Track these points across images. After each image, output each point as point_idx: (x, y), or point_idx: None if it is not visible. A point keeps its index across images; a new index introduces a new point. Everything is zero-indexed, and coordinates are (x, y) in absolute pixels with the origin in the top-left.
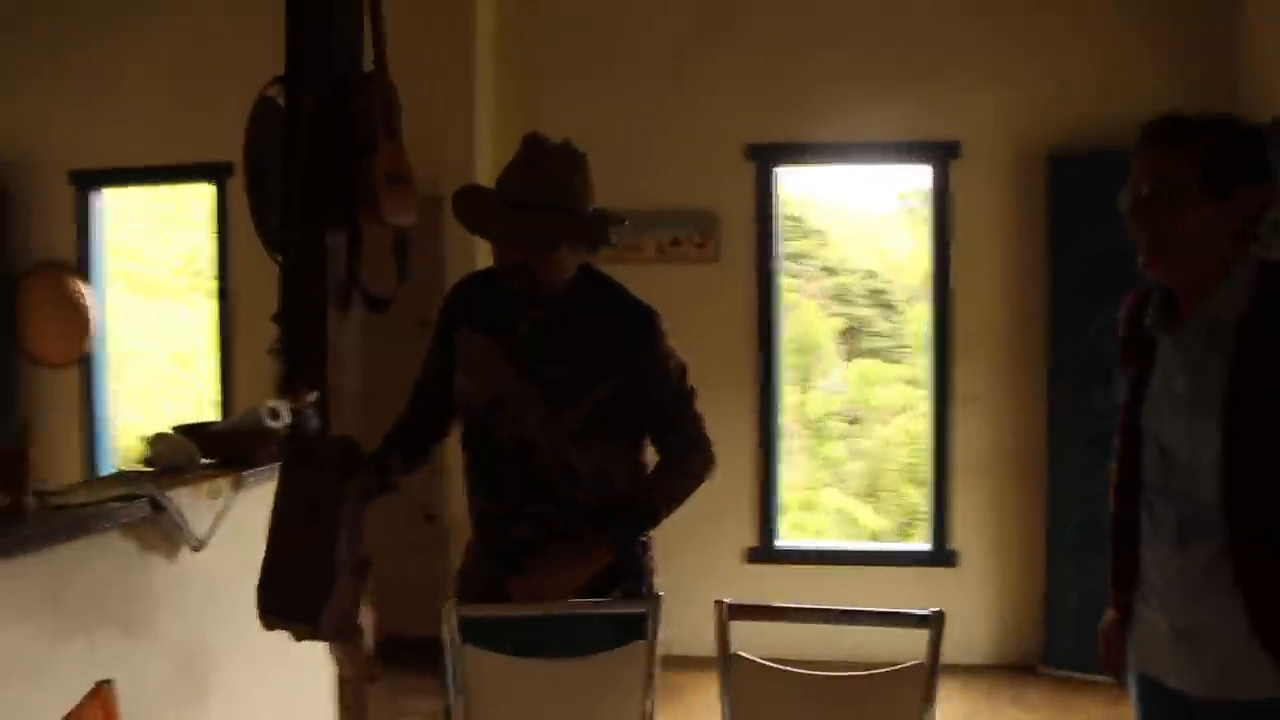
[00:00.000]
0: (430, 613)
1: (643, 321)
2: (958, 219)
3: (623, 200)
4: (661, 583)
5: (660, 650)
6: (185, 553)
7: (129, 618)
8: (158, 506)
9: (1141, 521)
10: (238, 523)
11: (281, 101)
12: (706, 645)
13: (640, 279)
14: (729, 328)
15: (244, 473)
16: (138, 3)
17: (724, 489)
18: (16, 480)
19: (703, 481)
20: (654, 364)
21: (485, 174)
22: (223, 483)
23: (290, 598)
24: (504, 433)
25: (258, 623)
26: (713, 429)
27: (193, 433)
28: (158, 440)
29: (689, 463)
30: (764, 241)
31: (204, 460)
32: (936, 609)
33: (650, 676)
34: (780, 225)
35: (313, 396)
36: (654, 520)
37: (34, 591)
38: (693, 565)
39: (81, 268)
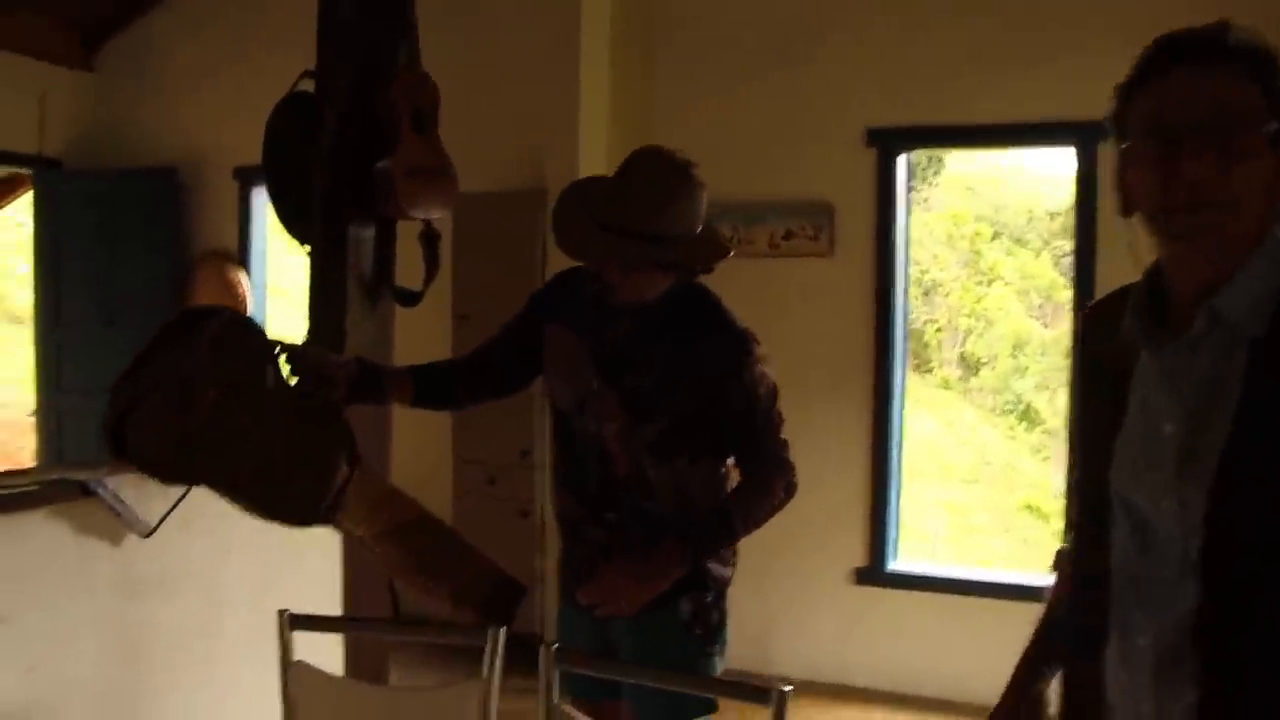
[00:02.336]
0: (521, 609)
1: (734, 348)
2: (1106, 205)
3: (734, 190)
4: (758, 601)
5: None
6: (133, 539)
7: (57, 601)
8: (87, 491)
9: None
10: (199, 510)
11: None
12: (809, 669)
13: (751, 274)
14: (844, 326)
15: None
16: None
17: (832, 502)
18: None
19: (782, 506)
20: (740, 391)
21: (591, 165)
22: None
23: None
24: (585, 436)
25: (218, 612)
26: (822, 436)
27: None
28: None
29: (772, 485)
30: (884, 233)
31: None
32: None
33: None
34: (905, 212)
35: None
36: (731, 539)
37: None
38: (795, 584)
39: (242, 258)
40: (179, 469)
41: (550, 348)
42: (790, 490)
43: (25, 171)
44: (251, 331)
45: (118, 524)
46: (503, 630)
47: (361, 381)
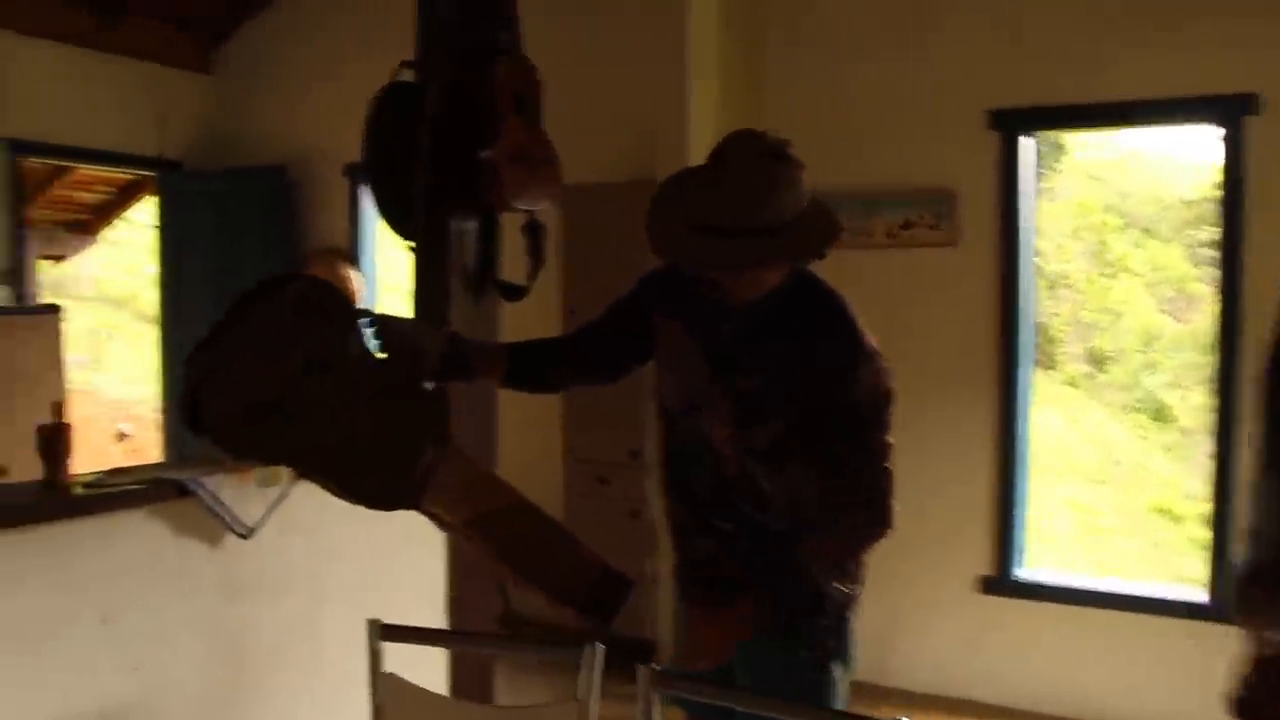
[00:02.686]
0: (631, 612)
1: (847, 350)
2: (1254, 188)
3: (849, 179)
4: (877, 609)
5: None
6: (232, 540)
7: (158, 602)
8: (185, 491)
9: None
10: (298, 511)
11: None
12: (930, 682)
13: (868, 266)
14: (967, 320)
15: None
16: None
17: (956, 505)
18: (53, 455)
19: (872, 544)
20: (844, 399)
21: (701, 153)
22: (277, 471)
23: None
24: (696, 438)
25: (318, 614)
26: (944, 436)
27: None
28: None
29: (856, 520)
30: (1008, 221)
31: None
32: None
33: None
34: (1031, 199)
35: None
36: (799, 593)
37: (42, 563)
38: (917, 592)
39: (353, 254)
40: (255, 442)
41: (662, 342)
42: (880, 523)
43: (149, 174)
44: (335, 298)
45: (217, 525)
46: (599, 648)
47: (450, 356)
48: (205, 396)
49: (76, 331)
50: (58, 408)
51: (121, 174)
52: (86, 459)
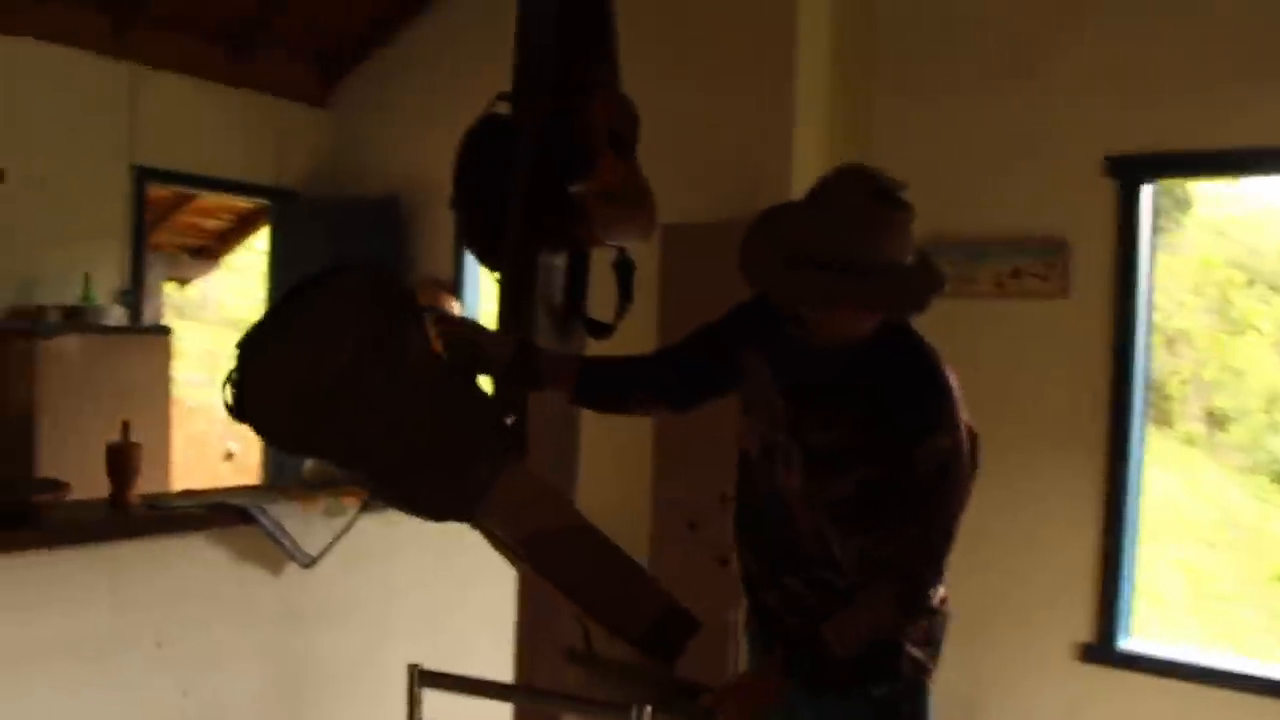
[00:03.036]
0: (718, 660)
1: (927, 419)
2: None
3: (956, 225)
4: (966, 674)
5: None
6: (294, 569)
7: (208, 623)
8: (248, 518)
9: None
10: (364, 542)
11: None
12: None
13: (974, 316)
14: (1077, 374)
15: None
16: None
17: (1057, 567)
18: (120, 473)
19: (903, 624)
20: (909, 470)
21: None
22: (344, 501)
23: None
24: (769, 488)
25: (381, 647)
26: (1048, 493)
27: None
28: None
29: (884, 594)
30: (1124, 273)
31: None
32: None
33: None
34: (1149, 250)
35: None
36: (821, 660)
37: (101, 582)
38: (1010, 658)
39: (455, 285)
40: (301, 433)
41: (747, 379)
42: (906, 610)
43: (265, 203)
44: (399, 289)
45: (279, 553)
46: (648, 712)
47: (518, 360)
48: (252, 382)
49: (196, 352)
50: (126, 427)
51: (242, 202)
52: (196, 476)
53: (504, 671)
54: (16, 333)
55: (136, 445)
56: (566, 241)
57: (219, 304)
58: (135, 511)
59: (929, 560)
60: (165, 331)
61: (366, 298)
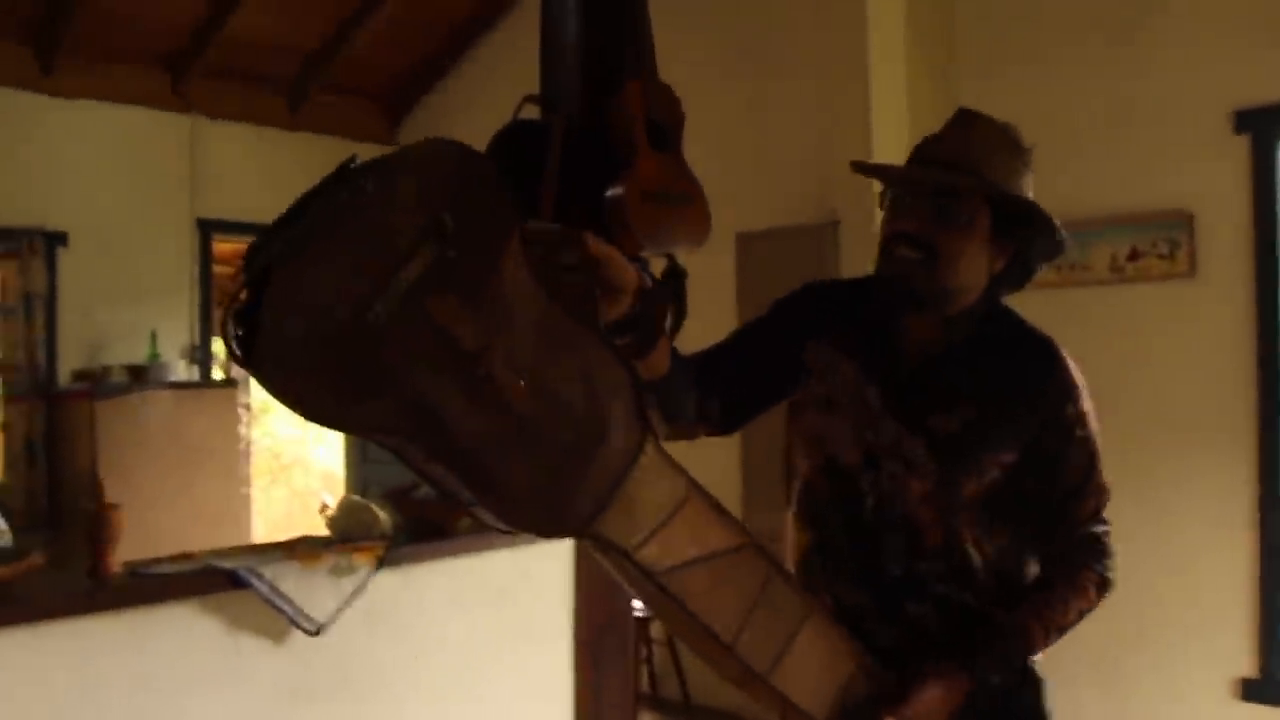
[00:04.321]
0: None
1: (1061, 367)
2: None
3: (1060, 207)
4: (1111, 713)
5: None
6: (299, 638)
7: (192, 701)
8: (239, 582)
9: None
10: (384, 602)
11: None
12: None
13: (1089, 305)
14: (1212, 366)
15: (389, 548)
16: None
17: (1207, 591)
18: (96, 541)
19: (1094, 608)
20: (1069, 427)
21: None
22: (356, 558)
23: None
24: (875, 502)
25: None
26: (1190, 506)
27: (400, 498)
28: (339, 507)
29: (1082, 580)
30: (1264, 244)
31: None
32: None
33: None
34: None
35: None
36: (1029, 651)
37: (69, 661)
38: (1159, 695)
39: None
40: (335, 393)
41: (822, 376)
42: (1105, 587)
43: None
44: (487, 181)
45: (281, 620)
46: None
47: (644, 309)
48: (272, 309)
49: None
50: (99, 487)
51: None
52: (295, 530)
53: None
54: (80, 395)
55: (115, 508)
56: None
57: None
58: (113, 581)
59: (1109, 542)
60: (233, 384)
61: (448, 185)
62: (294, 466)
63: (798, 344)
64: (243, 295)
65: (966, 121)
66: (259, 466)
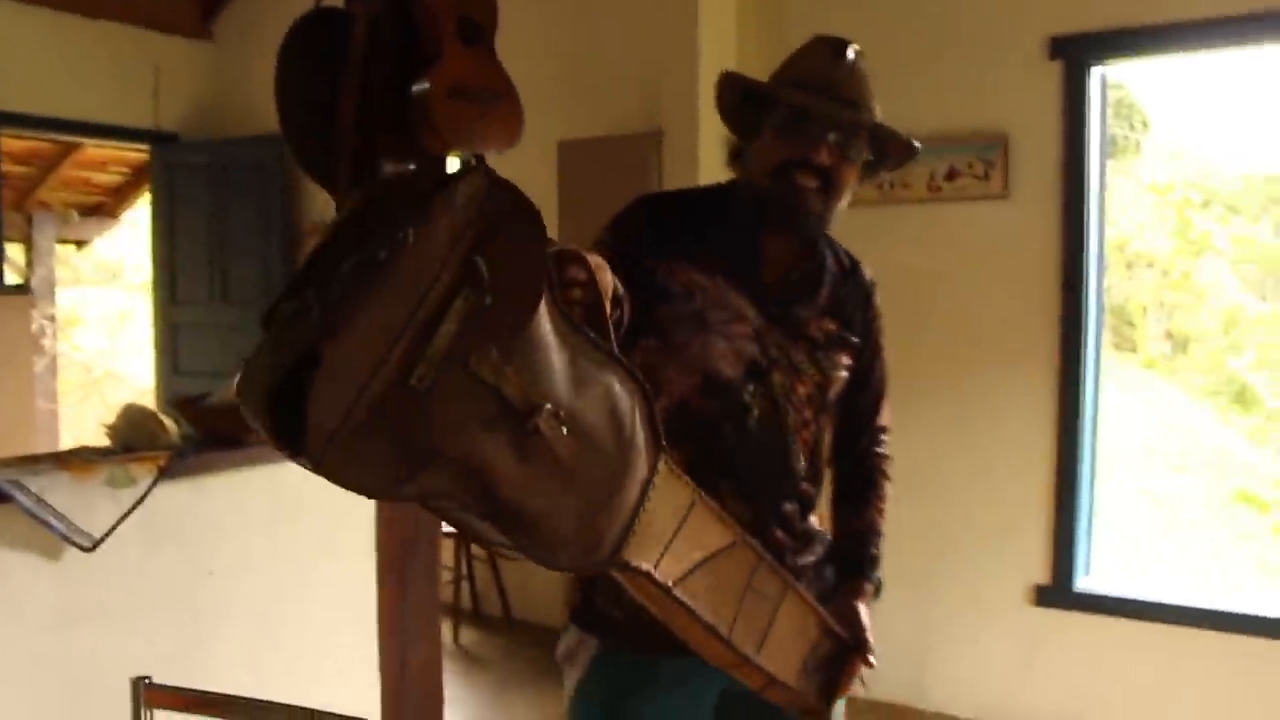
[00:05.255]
0: None
1: (868, 279)
2: None
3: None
4: (916, 622)
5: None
6: (75, 555)
7: None
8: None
9: None
10: (172, 519)
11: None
12: (976, 706)
13: (906, 222)
14: (1020, 286)
15: (173, 459)
16: None
17: (1007, 503)
18: None
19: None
20: (878, 334)
21: (712, 106)
22: (135, 469)
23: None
24: (760, 413)
25: (193, 644)
26: (995, 422)
27: (188, 406)
28: (121, 415)
29: (885, 471)
30: (1074, 168)
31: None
32: None
33: None
34: (1100, 145)
35: None
36: (882, 544)
37: None
38: (960, 603)
39: None
40: (393, 468)
41: (686, 294)
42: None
43: (143, 147)
44: (522, 213)
45: (51, 536)
46: None
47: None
48: (319, 390)
49: (104, 317)
50: None
51: (134, 151)
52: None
53: (368, 663)
54: None
55: None
56: (412, 151)
57: (137, 268)
58: None
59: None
60: (24, 290)
61: (479, 223)
62: (105, 380)
63: (645, 262)
64: (277, 372)
65: (847, 54)
66: (68, 381)
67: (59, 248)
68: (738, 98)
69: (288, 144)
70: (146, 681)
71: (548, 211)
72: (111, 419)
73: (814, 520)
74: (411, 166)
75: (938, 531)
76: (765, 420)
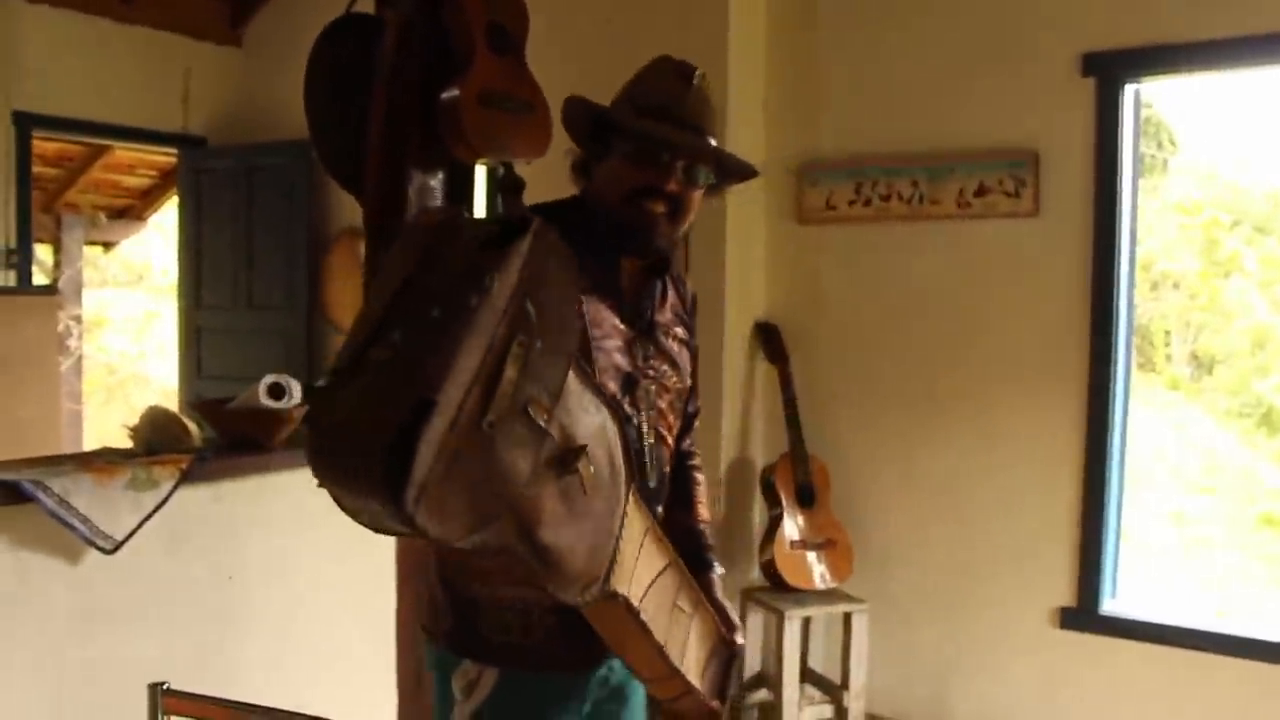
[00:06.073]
0: None
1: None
2: None
3: (912, 142)
4: (938, 643)
5: None
6: (95, 557)
7: None
8: (22, 495)
9: None
10: (193, 522)
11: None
12: None
13: (935, 239)
14: (1049, 304)
15: (195, 462)
16: None
17: (1033, 524)
18: None
19: None
20: (695, 341)
21: (744, 123)
22: (157, 471)
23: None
24: (637, 421)
25: (212, 647)
26: (1022, 441)
27: (210, 410)
28: (143, 418)
29: (699, 472)
30: (1105, 187)
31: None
32: None
33: None
34: (1133, 163)
35: None
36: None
37: None
38: (984, 625)
39: None
40: (466, 518)
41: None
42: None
43: (171, 151)
44: (558, 256)
45: (73, 538)
46: None
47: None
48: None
49: (129, 319)
50: None
51: (162, 155)
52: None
53: (385, 672)
54: None
55: None
56: (440, 157)
57: (164, 270)
58: None
59: None
60: (54, 291)
61: (527, 267)
62: (130, 382)
63: None
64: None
65: (693, 78)
66: (93, 382)
67: (86, 249)
68: (588, 123)
69: (316, 150)
70: (164, 688)
71: None
72: (135, 421)
73: None
74: (440, 175)
75: (963, 551)
76: (647, 429)
